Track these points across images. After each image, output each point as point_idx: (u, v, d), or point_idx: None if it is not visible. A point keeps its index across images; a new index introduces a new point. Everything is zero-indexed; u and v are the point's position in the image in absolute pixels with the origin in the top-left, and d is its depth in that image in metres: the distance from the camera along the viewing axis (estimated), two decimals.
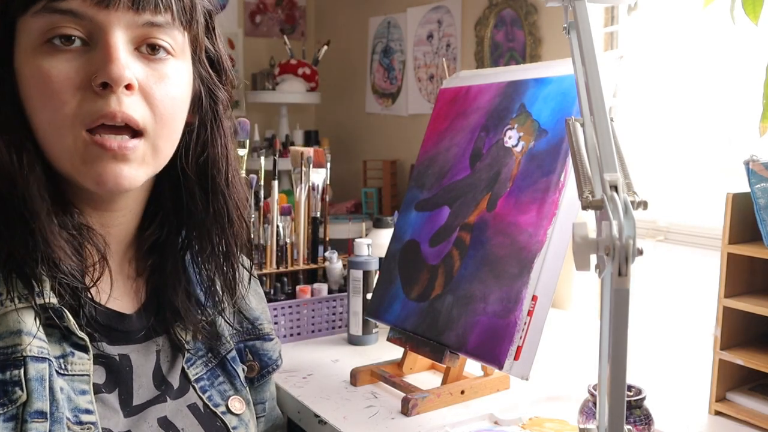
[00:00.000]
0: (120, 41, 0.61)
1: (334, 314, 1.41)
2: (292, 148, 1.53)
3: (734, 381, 1.01)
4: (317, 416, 1.02)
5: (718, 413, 0.99)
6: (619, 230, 0.45)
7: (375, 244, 1.43)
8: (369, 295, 1.30)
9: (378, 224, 1.54)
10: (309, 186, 1.46)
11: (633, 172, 0.55)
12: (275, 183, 1.43)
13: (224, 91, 0.74)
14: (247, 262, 0.84)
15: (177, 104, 0.67)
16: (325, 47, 2.57)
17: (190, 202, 0.74)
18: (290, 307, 1.35)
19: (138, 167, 0.65)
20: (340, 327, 1.41)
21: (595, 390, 0.86)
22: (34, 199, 0.62)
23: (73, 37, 0.61)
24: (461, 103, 1.21)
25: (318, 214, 1.48)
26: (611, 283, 0.46)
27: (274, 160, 1.51)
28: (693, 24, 1.45)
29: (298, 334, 1.37)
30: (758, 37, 1.24)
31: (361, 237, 1.43)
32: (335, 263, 1.46)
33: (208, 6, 0.71)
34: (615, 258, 0.45)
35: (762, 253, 0.94)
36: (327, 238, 1.50)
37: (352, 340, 1.34)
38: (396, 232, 1.22)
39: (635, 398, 0.85)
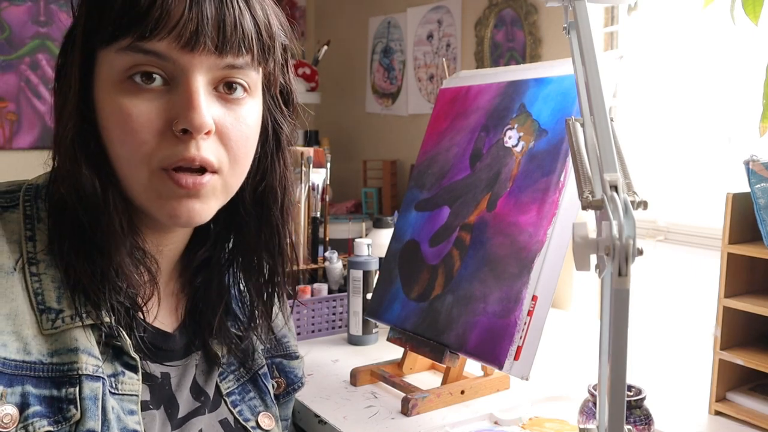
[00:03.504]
0: (201, 85, 0.61)
1: (334, 314, 1.41)
2: (292, 148, 1.53)
3: (734, 381, 1.01)
4: (317, 416, 1.02)
5: (718, 413, 0.99)
6: (619, 230, 0.45)
7: (375, 244, 1.43)
8: (369, 295, 1.30)
9: (378, 224, 1.54)
10: (309, 186, 1.46)
11: (633, 172, 0.55)
12: None
13: (289, 123, 0.75)
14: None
15: (250, 143, 0.67)
16: (325, 47, 2.57)
17: (243, 228, 0.75)
18: (290, 307, 1.35)
19: (209, 202, 0.65)
20: (340, 327, 1.41)
21: (595, 390, 0.86)
22: (116, 234, 0.63)
23: (154, 75, 0.61)
24: (461, 103, 1.21)
25: (318, 214, 1.48)
26: (611, 283, 0.46)
27: None
28: (693, 24, 1.45)
29: (298, 334, 1.37)
30: (758, 37, 1.24)
31: (361, 237, 1.43)
32: (335, 263, 1.46)
33: (285, 41, 0.70)
34: (615, 258, 0.45)
35: (762, 253, 0.94)
36: (327, 238, 1.49)
37: (352, 340, 1.34)
38: (396, 232, 1.22)
39: (635, 398, 0.85)
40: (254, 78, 0.66)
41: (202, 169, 0.63)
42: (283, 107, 0.73)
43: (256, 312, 0.78)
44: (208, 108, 0.62)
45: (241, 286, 0.79)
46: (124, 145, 0.61)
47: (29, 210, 0.65)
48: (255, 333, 0.79)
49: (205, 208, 0.65)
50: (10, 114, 2.36)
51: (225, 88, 0.64)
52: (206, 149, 0.62)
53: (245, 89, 0.65)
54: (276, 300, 0.79)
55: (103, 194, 0.62)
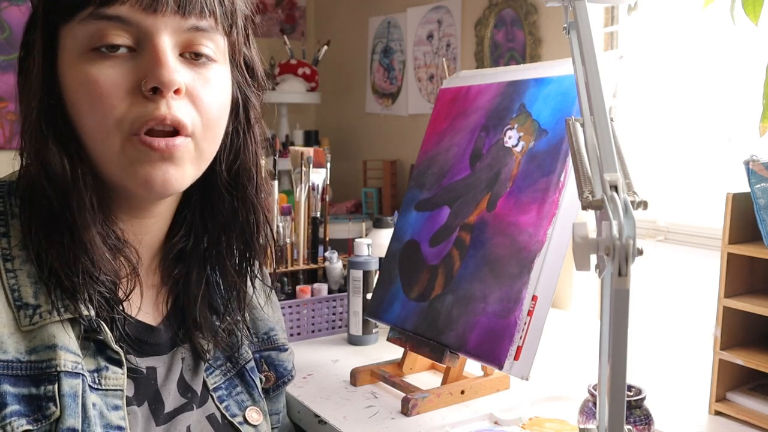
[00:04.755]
0: (167, 45, 0.61)
1: (334, 314, 1.41)
2: (292, 148, 1.53)
3: (734, 381, 1.01)
4: (317, 416, 1.02)
5: (718, 413, 0.99)
6: (619, 230, 0.45)
7: (375, 244, 1.43)
8: (369, 295, 1.30)
9: (378, 224, 1.54)
10: (309, 186, 1.46)
11: (633, 172, 0.55)
12: (275, 183, 1.43)
13: (257, 97, 0.74)
14: (267, 275, 0.83)
15: (222, 108, 0.67)
16: (325, 47, 2.57)
17: (219, 210, 0.74)
18: (290, 307, 1.35)
19: (184, 167, 0.64)
20: (340, 327, 1.41)
21: (595, 390, 0.86)
22: (86, 212, 0.62)
23: (119, 45, 0.61)
24: (461, 103, 1.21)
25: (318, 214, 1.48)
26: (611, 283, 0.46)
27: (274, 160, 1.51)
28: (693, 24, 1.45)
29: (298, 334, 1.37)
30: (758, 37, 1.24)
31: (361, 237, 1.43)
32: (335, 263, 1.46)
33: (245, 11, 0.71)
34: (615, 258, 0.45)
35: (762, 253, 0.94)
36: (327, 238, 1.49)
37: (352, 340, 1.34)
38: (396, 232, 1.22)
39: (635, 398, 0.85)
40: (220, 44, 0.66)
41: (175, 132, 0.62)
42: (250, 80, 0.73)
43: (232, 301, 0.77)
44: (177, 68, 0.62)
45: (224, 277, 0.78)
46: (93, 113, 0.61)
47: (2, 206, 0.65)
48: (234, 323, 0.78)
49: (181, 174, 0.64)
50: (10, 114, 2.36)
51: (192, 56, 0.64)
52: (177, 108, 0.62)
53: (211, 56, 0.65)
54: (252, 291, 0.78)
55: (72, 171, 0.62)
